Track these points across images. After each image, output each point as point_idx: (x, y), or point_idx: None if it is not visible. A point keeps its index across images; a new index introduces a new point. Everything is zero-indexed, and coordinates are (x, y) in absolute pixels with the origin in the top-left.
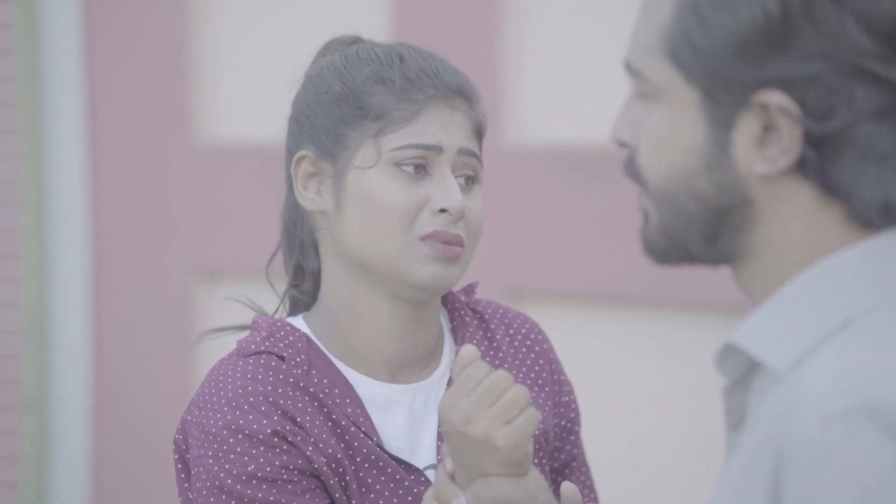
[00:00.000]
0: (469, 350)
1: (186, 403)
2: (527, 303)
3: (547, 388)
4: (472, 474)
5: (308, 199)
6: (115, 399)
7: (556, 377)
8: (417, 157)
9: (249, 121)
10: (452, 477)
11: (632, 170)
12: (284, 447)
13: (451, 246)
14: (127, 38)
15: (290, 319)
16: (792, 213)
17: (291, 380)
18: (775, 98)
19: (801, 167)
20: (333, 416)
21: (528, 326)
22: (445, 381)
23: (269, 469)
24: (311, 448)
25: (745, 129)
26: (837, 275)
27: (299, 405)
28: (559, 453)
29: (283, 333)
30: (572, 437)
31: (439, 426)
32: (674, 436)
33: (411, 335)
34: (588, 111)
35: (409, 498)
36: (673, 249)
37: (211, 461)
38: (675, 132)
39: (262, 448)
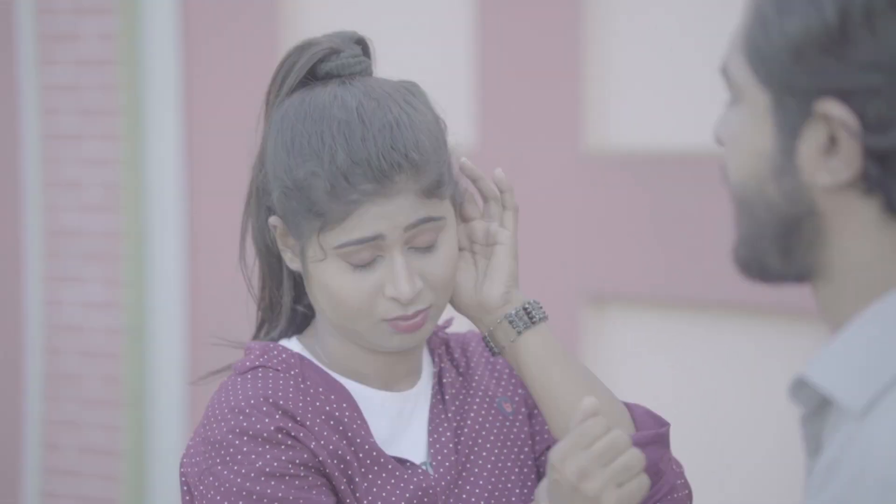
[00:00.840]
0: (590, 402)
1: None
2: (606, 308)
3: (510, 392)
4: None
5: (288, 259)
6: (210, 395)
7: (521, 385)
8: (359, 250)
9: None
10: None
11: (723, 172)
12: (289, 443)
13: (410, 323)
14: (223, 48)
15: (284, 342)
16: (859, 229)
17: (291, 383)
18: (834, 109)
19: (866, 182)
20: (335, 415)
21: (475, 342)
22: (429, 389)
23: (276, 465)
24: (314, 443)
25: (811, 139)
26: None
27: (300, 405)
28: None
29: (276, 352)
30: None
31: (430, 436)
32: (756, 441)
33: (395, 363)
34: (671, 116)
35: (408, 491)
36: (752, 261)
37: (220, 467)
38: (750, 134)
39: (267, 446)
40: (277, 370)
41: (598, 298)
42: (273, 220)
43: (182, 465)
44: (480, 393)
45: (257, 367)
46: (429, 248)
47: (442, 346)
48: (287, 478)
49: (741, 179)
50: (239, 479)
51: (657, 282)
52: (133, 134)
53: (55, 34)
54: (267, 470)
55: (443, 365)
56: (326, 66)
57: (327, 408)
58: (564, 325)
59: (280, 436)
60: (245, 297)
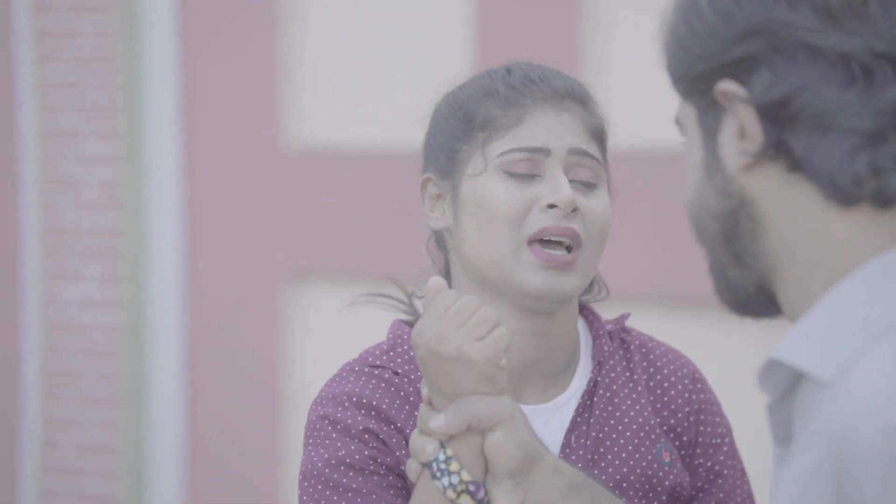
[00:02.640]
0: (436, 280)
1: (275, 396)
2: (608, 304)
3: (677, 431)
4: (448, 396)
5: (434, 219)
6: (209, 393)
7: (701, 423)
8: (523, 159)
9: (338, 124)
10: (430, 402)
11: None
12: (375, 444)
13: (561, 254)
14: (220, 46)
15: None
16: (788, 205)
17: (402, 393)
18: (724, 84)
19: (772, 149)
20: None
21: (677, 375)
22: (573, 403)
23: (357, 457)
24: (403, 451)
25: (726, 129)
26: (875, 280)
27: (402, 415)
28: (697, 480)
29: (405, 347)
30: (716, 478)
31: (562, 451)
32: (761, 441)
33: (536, 349)
34: (666, 117)
35: None
36: (722, 283)
37: (310, 448)
38: (690, 154)
39: (354, 440)
40: (396, 373)
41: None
42: (425, 175)
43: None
44: (636, 426)
45: (378, 366)
46: (588, 190)
47: (605, 355)
48: (366, 472)
49: (690, 200)
50: (320, 464)
51: (657, 280)
52: (131, 132)
53: (53, 32)
54: (347, 460)
55: (599, 378)
56: None
57: None
58: None
59: (367, 436)
60: (242, 293)
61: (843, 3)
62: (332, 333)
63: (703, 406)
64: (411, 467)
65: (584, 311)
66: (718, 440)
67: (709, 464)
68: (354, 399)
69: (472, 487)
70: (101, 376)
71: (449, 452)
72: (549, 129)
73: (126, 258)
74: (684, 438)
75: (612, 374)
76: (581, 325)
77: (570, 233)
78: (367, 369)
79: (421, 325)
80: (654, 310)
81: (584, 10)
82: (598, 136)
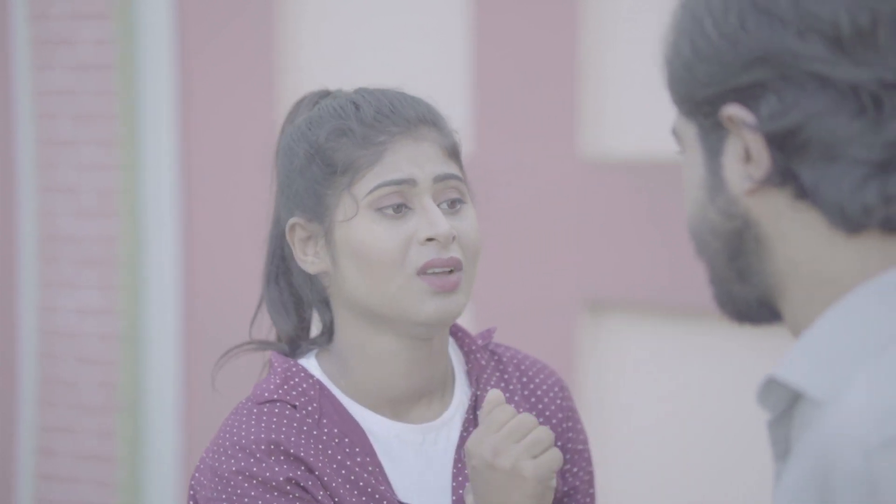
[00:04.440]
0: (496, 394)
1: None
2: (604, 315)
3: (558, 443)
4: None
5: (309, 263)
6: (205, 402)
7: (570, 430)
8: (391, 192)
9: None
10: None
11: None
12: (297, 494)
13: (448, 276)
14: (218, 54)
15: (304, 361)
16: (794, 230)
17: (305, 427)
18: (731, 109)
19: (780, 176)
20: (347, 464)
21: (542, 377)
22: (457, 421)
23: None
24: (321, 493)
25: (731, 153)
26: (870, 300)
27: (312, 452)
28: (563, 484)
29: (297, 380)
30: (581, 484)
31: (454, 466)
32: (760, 450)
33: (420, 371)
34: (667, 123)
35: None
36: (725, 298)
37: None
38: (691, 170)
39: (276, 493)
40: (294, 406)
41: (597, 305)
42: (291, 221)
43: (193, 477)
44: None
45: (275, 400)
46: (456, 209)
47: (483, 369)
48: None
49: (690, 215)
50: None
51: (657, 288)
52: (129, 139)
53: (51, 39)
54: None
55: (480, 392)
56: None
57: (339, 456)
58: (562, 331)
59: (289, 486)
60: (239, 302)
61: (852, 33)
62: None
63: (571, 414)
64: None
65: (452, 328)
66: (582, 446)
67: (575, 469)
68: (263, 447)
69: None
70: (98, 384)
71: None
72: (411, 160)
73: (123, 266)
74: (558, 443)
75: (489, 387)
76: (450, 343)
77: (454, 262)
78: (265, 407)
79: (478, 436)
80: (655, 319)
81: (582, 14)
82: (455, 153)
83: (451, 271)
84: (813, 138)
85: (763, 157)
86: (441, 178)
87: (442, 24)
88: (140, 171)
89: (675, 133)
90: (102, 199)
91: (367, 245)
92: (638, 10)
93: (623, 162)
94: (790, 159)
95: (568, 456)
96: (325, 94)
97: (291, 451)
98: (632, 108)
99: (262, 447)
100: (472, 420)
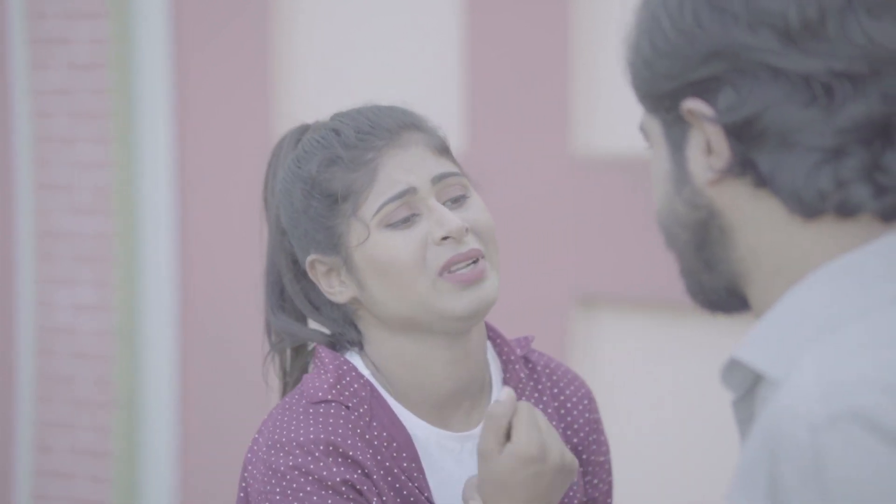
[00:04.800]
0: (510, 392)
1: (267, 400)
2: (595, 309)
3: (580, 453)
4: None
5: (337, 294)
6: (201, 398)
7: (594, 442)
8: (398, 208)
9: None
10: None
11: None
12: (352, 496)
13: (473, 267)
14: (213, 53)
15: (350, 358)
16: (756, 218)
17: (358, 430)
18: (690, 103)
19: (739, 166)
20: (394, 470)
21: (572, 388)
22: None
23: None
24: (375, 499)
25: (693, 144)
26: (826, 282)
27: (368, 456)
28: (584, 495)
29: (349, 379)
30: (602, 496)
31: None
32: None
33: (459, 371)
34: None
35: None
36: (696, 288)
37: (279, 497)
38: (658, 165)
39: (331, 492)
40: (348, 407)
41: (590, 301)
42: (309, 259)
43: (245, 468)
44: None
45: (329, 400)
46: (460, 202)
47: (520, 381)
48: None
49: (659, 209)
50: None
51: (651, 284)
52: (125, 137)
53: (47, 38)
54: None
55: (521, 384)
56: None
57: (387, 462)
58: (555, 328)
59: (344, 488)
60: (235, 298)
61: (801, 25)
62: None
63: (596, 426)
64: None
65: (490, 333)
66: (603, 458)
67: (595, 480)
68: (322, 447)
69: None
70: (94, 380)
71: None
72: (405, 168)
73: (119, 262)
74: (584, 456)
75: (523, 398)
76: (489, 348)
77: (474, 254)
78: (321, 407)
79: (527, 437)
80: (648, 315)
81: (574, 12)
82: (445, 149)
83: (475, 261)
84: (768, 128)
85: (723, 149)
86: (439, 178)
87: (436, 24)
88: (136, 169)
89: (643, 129)
90: (98, 196)
91: (386, 259)
92: (629, 9)
93: (615, 159)
94: (748, 149)
95: (590, 468)
96: (305, 129)
97: (350, 453)
98: (623, 107)
99: (321, 447)
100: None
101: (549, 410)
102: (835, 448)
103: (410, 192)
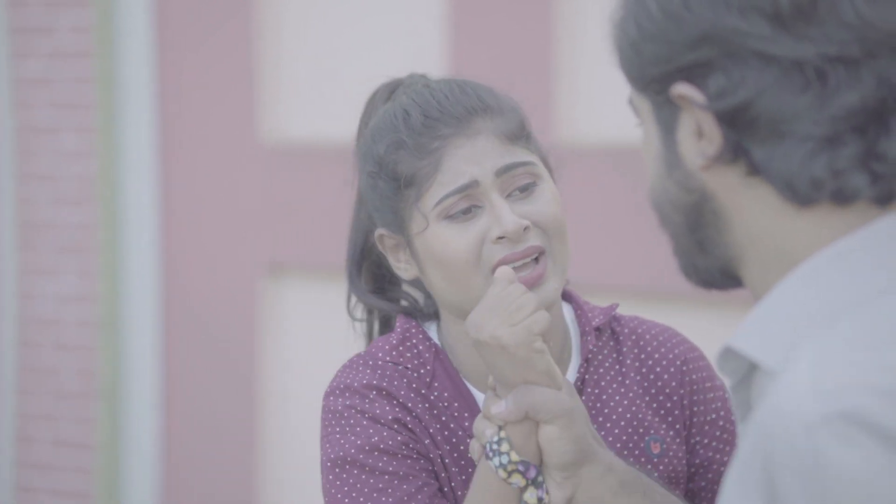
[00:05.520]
0: (501, 271)
1: (251, 391)
2: (601, 300)
3: (670, 419)
4: (506, 384)
5: (403, 269)
6: (184, 388)
7: (697, 402)
8: (458, 200)
9: (312, 120)
10: (494, 388)
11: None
12: (405, 432)
13: (533, 267)
14: (197, 42)
15: (427, 328)
16: (751, 203)
17: (415, 385)
18: (680, 87)
19: (731, 152)
20: (451, 426)
21: (668, 359)
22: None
23: (391, 443)
24: (427, 440)
25: (684, 128)
26: (821, 270)
27: (419, 407)
28: (694, 457)
29: (414, 342)
30: (714, 454)
31: None
32: None
33: None
34: None
35: None
36: (689, 267)
37: (338, 436)
38: (648, 143)
39: (385, 427)
40: (407, 368)
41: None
42: (378, 231)
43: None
44: (628, 417)
45: (388, 361)
46: (528, 192)
47: (608, 340)
48: (399, 456)
49: (651, 187)
50: (353, 450)
51: (648, 275)
52: (107, 127)
53: (29, 27)
54: (381, 446)
55: (591, 369)
56: (398, 91)
57: (443, 417)
58: None
59: (397, 425)
60: (218, 289)
61: (792, 9)
62: (306, 327)
63: (695, 387)
64: (473, 448)
65: (572, 302)
66: (713, 416)
67: (705, 440)
68: (374, 392)
69: (521, 467)
70: (77, 371)
71: (502, 434)
72: (469, 160)
73: (102, 253)
74: (680, 421)
75: (601, 370)
76: (569, 317)
77: (531, 251)
78: (380, 363)
79: (471, 314)
80: (647, 304)
81: (556, 8)
82: (518, 133)
83: (535, 259)
84: (761, 115)
85: (714, 135)
86: (504, 170)
87: (419, 21)
88: (119, 159)
89: (632, 105)
90: (81, 186)
91: (441, 252)
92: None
93: (606, 150)
94: (740, 136)
95: (695, 430)
96: (396, 85)
97: (401, 399)
98: (606, 100)
99: (374, 392)
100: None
101: (628, 381)
102: (832, 447)
103: (473, 185)
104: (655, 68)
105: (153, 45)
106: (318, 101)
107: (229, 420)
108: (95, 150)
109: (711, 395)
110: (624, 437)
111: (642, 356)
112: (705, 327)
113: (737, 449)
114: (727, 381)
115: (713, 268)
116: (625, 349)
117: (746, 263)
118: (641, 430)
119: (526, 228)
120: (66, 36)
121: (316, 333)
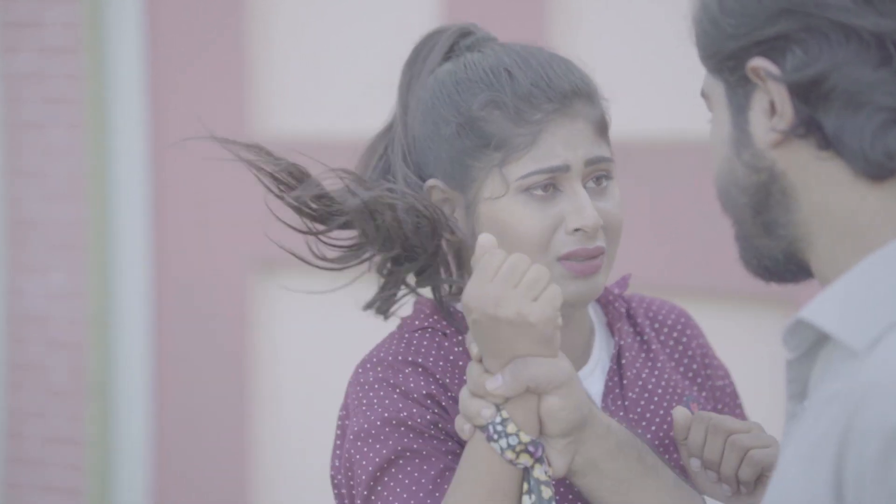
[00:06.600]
0: (486, 238)
1: (243, 387)
2: None
3: (699, 380)
4: (504, 358)
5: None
6: (175, 385)
7: (707, 366)
8: (544, 180)
9: (305, 114)
10: (480, 362)
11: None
12: (436, 410)
13: (590, 261)
14: (187, 37)
15: (456, 304)
16: (822, 179)
17: (451, 357)
18: (756, 62)
19: (803, 127)
20: None
21: (673, 317)
22: (598, 374)
23: (419, 421)
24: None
25: (756, 106)
26: None
27: (456, 382)
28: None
29: (451, 310)
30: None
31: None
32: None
33: (567, 334)
34: (634, 105)
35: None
36: (751, 254)
37: (365, 408)
38: (717, 128)
39: (416, 404)
40: (445, 333)
41: None
42: (431, 181)
43: (343, 401)
44: (664, 384)
45: (426, 328)
46: (601, 187)
47: (622, 318)
48: (426, 435)
49: (717, 172)
50: (379, 423)
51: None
52: (97, 123)
53: (18, 22)
54: (409, 422)
55: (623, 342)
56: (467, 41)
57: None
58: None
59: (429, 401)
60: (209, 285)
61: None
62: (298, 323)
63: (707, 350)
64: (462, 426)
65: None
66: (722, 382)
67: (719, 406)
68: (409, 367)
69: (531, 448)
70: (67, 368)
71: (505, 414)
72: (566, 143)
73: (92, 250)
74: (699, 381)
75: (628, 339)
76: (591, 309)
77: (597, 252)
78: (417, 333)
79: (473, 288)
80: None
81: (551, 8)
82: (605, 129)
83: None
84: (836, 88)
85: (787, 109)
86: (591, 162)
87: (412, 18)
88: (109, 155)
89: (704, 93)
90: (71, 182)
91: (513, 227)
92: (604, 5)
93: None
94: (814, 110)
95: (705, 394)
96: (465, 35)
97: (436, 375)
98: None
99: (408, 367)
100: (615, 370)
101: (654, 346)
102: None
103: (563, 168)
104: (734, 42)
105: (143, 41)
106: (309, 97)
107: (221, 416)
108: (85, 146)
109: (717, 361)
110: (665, 402)
111: (656, 325)
112: (705, 327)
113: (797, 425)
114: (787, 355)
115: (777, 250)
116: (639, 319)
117: (814, 244)
118: (679, 392)
119: (598, 229)
120: (55, 31)
121: (307, 329)
